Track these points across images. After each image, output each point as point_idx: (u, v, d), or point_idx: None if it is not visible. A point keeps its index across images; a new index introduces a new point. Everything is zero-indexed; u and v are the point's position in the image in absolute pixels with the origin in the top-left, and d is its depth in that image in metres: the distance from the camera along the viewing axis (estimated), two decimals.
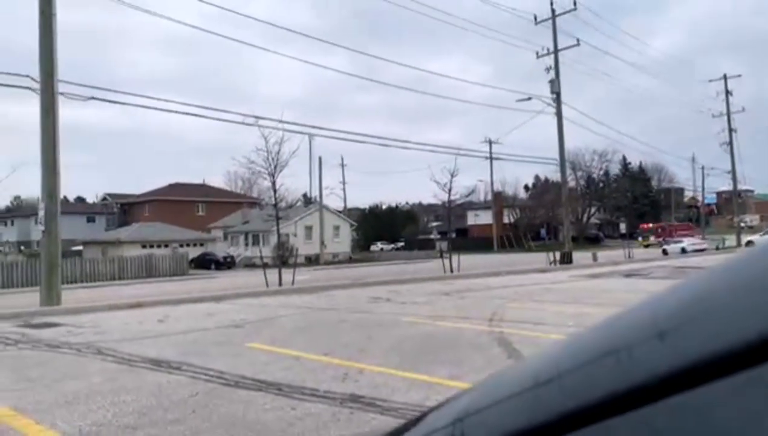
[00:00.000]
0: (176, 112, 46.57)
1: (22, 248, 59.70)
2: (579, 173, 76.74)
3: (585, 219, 72.53)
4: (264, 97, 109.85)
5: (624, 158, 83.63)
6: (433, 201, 42.05)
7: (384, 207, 76.47)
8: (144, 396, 5.84)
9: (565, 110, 35.62)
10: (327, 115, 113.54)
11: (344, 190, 72.69)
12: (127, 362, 7.69)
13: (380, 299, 15.22)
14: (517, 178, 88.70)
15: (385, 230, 68.91)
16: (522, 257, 44.07)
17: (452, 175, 28.46)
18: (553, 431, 0.43)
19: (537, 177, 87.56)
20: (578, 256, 32.46)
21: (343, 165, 65.71)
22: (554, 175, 58.25)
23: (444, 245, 33.87)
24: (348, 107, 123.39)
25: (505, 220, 68.92)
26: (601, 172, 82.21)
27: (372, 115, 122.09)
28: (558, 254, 30.49)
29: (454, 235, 56.84)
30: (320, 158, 53.65)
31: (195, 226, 57.14)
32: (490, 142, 56.27)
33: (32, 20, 15.64)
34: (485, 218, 70.55)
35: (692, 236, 58.72)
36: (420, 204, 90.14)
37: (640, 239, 62.71)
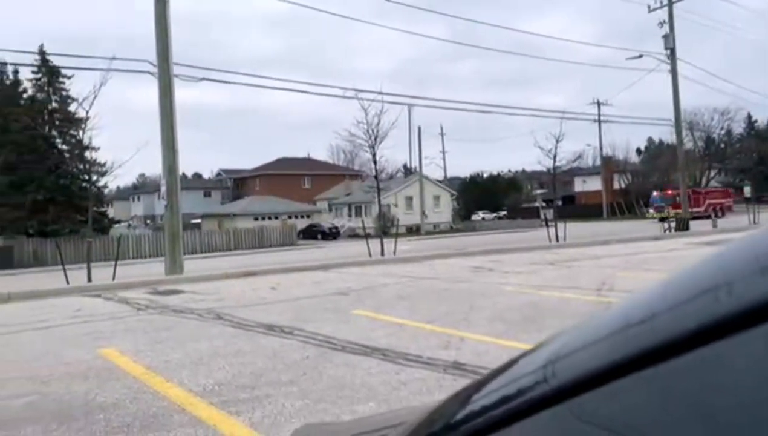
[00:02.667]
0: (281, 89, 48.34)
1: (148, 221, 64.82)
2: (697, 134, 71.26)
3: (704, 183, 67.51)
4: (363, 71, 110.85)
5: (749, 116, 76.67)
6: (537, 168, 40.86)
7: (485, 175, 75.28)
8: (259, 359, 6.24)
9: (681, 67, 33.15)
10: (425, 85, 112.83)
11: (444, 159, 72.39)
12: (244, 326, 8.22)
13: (482, 268, 15.14)
14: (627, 142, 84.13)
15: (486, 198, 67.91)
16: (634, 224, 41.93)
17: (557, 140, 27.49)
18: (642, 364, 0.45)
19: (650, 140, 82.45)
20: (696, 223, 30.41)
21: (442, 134, 65.25)
22: (669, 137, 54.49)
23: (549, 213, 32.93)
24: (446, 76, 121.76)
25: (615, 186, 65.69)
26: (723, 132, 75.87)
27: (470, 82, 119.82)
28: (673, 221, 28.78)
29: (560, 202, 55.00)
30: (419, 128, 53.72)
31: (302, 198, 59.28)
32: (599, 104, 53.61)
33: (148, 10, 16.69)
34: (593, 184, 67.61)
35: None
36: (523, 171, 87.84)
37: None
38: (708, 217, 47.17)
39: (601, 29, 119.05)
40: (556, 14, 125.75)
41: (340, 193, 59.05)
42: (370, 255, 19.94)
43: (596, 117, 51.53)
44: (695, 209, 48.63)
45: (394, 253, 20.33)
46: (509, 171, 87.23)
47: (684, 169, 34.33)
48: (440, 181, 61.30)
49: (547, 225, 26.04)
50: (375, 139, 22.43)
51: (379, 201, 25.70)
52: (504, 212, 67.16)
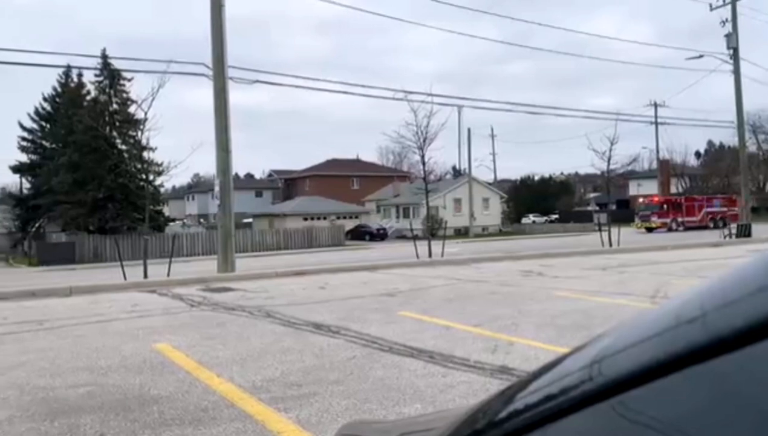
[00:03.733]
0: (331, 90, 48.81)
1: (202, 220, 66.54)
2: (761, 137, 68.25)
3: None
4: (412, 72, 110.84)
5: None
6: (590, 171, 40.13)
7: (536, 178, 74.08)
8: (307, 357, 6.31)
9: (744, 67, 31.79)
10: (475, 86, 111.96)
11: (494, 161, 71.67)
12: (293, 324, 8.34)
13: (532, 272, 14.90)
14: (686, 145, 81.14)
15: (537, 201, 66.80)
16: (692, 231, 40.45)
17: (612, 143, 26.86)
18: (692, 361, 0.44)
19: (710, 142, 79.50)
20: (759, 229, 29.11)
21: (492, 136, 64.55)
22: (730, 140, 52.35)
23: (602, 217, 32.14)
24: (496, 76, 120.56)
25: (673, 189, 63.55)
26: None
27: (521, 83, 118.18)
28: (734, 227, 27.62)
29: (614, 206, 53.55)
30: (469, 130, 53.23)
31: (350, 199, 59.75)
32: (656, 106, 51.93)
33: (203, 16, 17.14)
34: (649, 187, 65.58)
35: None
36: (576, 174, 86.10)
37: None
38: (706, 227, 42.54)
39: (655, 29, 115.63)
40: (609, 14, 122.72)
41: (388, 194, 59.22)
42: (417, 257, 19.90)
43: (653, 119, 49.92)
44: (688, 219, 43.23)
45: (442, 255, 20.23)
46: (561, 173, 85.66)
47: (746, 173, 32.89)
48: (490, 184, 60.70)
49: (600, 229, 25.43)
50: (424, 140, 22.46)
51: (427, 203, 25.64)
52: (555, 216, 65.95)
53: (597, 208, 63.60)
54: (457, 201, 52.82)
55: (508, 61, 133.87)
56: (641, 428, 0.46)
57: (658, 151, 64.08)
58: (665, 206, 44.77)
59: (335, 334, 7.51)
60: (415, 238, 22.75)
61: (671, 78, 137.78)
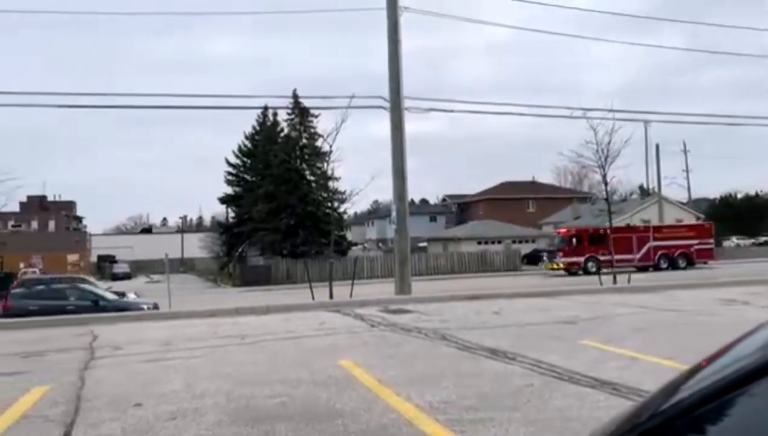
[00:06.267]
0: (504, 113, 48.48)
1: (380, 244, 69.43)
2: None
3: None
4: (589, 88, 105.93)
5: None
6: None
7: (739, 195, 66.17)
8: (483, 382, 6.29)
9: None
10: (661, 99, 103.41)
11: (687, 178, 65.06)
12: (468, 348, 8.35)
13: (735, 301, 13.30)
14: None
15: (741, 222, 59.54)
16: None
17: None
18: None
19: None
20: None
21: (685, 151, 58.97)
22: None
23: None
24: (685, 87, 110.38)
25: None
26: None
27: (714, 93, 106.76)
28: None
29: None
30: (657, 145, 49.29)
31: (526, 222, 58.34)
32: None
33: (378, 50, 18.15)
34: None
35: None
36: None
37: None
38: (656, 267, 32.14)
39: None
40: None
41: (567, 216, 56.83)
42: (600, 283, 18.82)
43: None
44: (624, 257, 31.01)
45: (629, 281, 18.91)
46: None
47: None
48: (683, 203, 55.47)
49: None
50: (605, 159, 21.25)
51: (610, 225, 24.20)
52: (765, 238, 58.16)
53: None
54: (646, 223, 49.04)
55: (698, 70, 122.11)
56: None
57: None
58: (574, 240, 34.06)
59: (511, 360, 7.37)
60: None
61: None
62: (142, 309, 16.61)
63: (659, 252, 34.00)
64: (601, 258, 32.08)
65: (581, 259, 33.21)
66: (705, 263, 34.83)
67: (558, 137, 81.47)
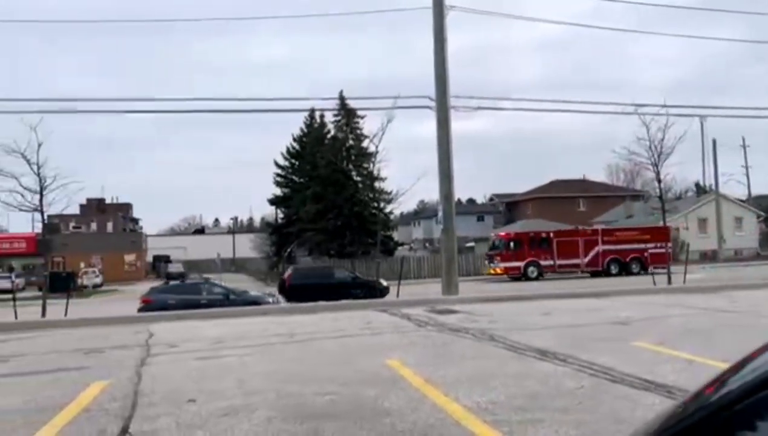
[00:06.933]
0: (553, 110, 47.45)
1: (427, 244, 69.24)
2: None
3: None
4: (641, 84, 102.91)
5: None
6: None
7: None
8: (532, 383, 6.20)
9: None
10: (719, 93, 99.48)
11: (747, 175, 62.53)
12: (516, 349, 8.25)
13: None
14: None
15: None
16: None
17: None
18: None
19: None
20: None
21: (744, 146, 56.64)
22: None
23: None
24: (745, 80, 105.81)
25: None
26: None
27: None
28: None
29: None
30: (714, 141, 47.58)
31: (576, 221, 57.03)
32: None
33: (424, 49, 18.11)
34: None
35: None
36: None
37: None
38: (605, 273, 30.16)
39: None
40: None
41: (619, 215, 55.42)
42: (654, 283, 18.29)
43: None
44: (570, 262, 30.65)
45: (684, 281, 18.31)
46: None
47: None
48: (743, 201, 53.31)
49: None
50: (659, 156, 20.64)
51: (664, 223, 23.50)
52: None
53: None
54: (702, 221, 47.37)
55: (760, 62, 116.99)
56: None
57: None
58: (512, 244, 32.66)
59: (561, 362, 7.25)
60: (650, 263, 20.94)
61: None
62: (268, 303, 17.86)
63: (609, 257, 32.45)
64: (543, 263, 31.51)
65: (521, 263, 32.29)
66: (663, 268, 33.80)
67: (609, 135, 79.58)
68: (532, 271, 31.75)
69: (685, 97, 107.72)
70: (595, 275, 31.57)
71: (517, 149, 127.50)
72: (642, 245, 32.62)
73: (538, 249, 32.65)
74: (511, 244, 33.53)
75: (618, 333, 9.43)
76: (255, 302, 18.03)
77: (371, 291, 21.90)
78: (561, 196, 63.08)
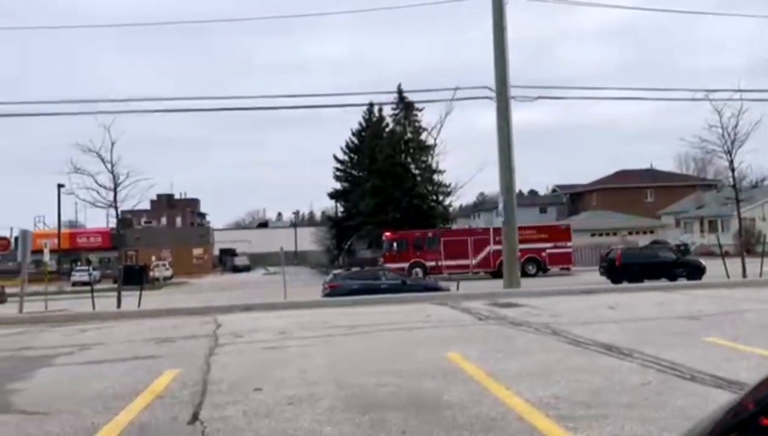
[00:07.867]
0: (619, 98, 46.09)
1: None
2: None
3: None
4: (712, 69, 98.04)
5: None
6: None
7: None
8: (596, 378, 6.08)
9: None
10: None
11: None
12: (580, 344, 8.09)
13: None
14: None
15: None
16: None
17: None
18: None
19: None
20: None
21: None
22: None
23: None
24: None
25: None
26: None
27: None
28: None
29: None
30: None
31: (643, 213, 55.22)
32: None
33: (482, 40, 17.87)
34: None
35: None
36: None
37: None
38: (496, 274, 26.10)
39: None
40: None
41: (689, 205, 53.14)
42: (728, 277, 17.49)
43: None
44: (458, 263, 29.03)
45: (760, 275, 17.41)
46: None
47: None
48: None
49: None
50: (732, 143, 19.64)
51: (738, 214, 22.36)
52: None
53: None
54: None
55: None
56: None
57: None
58: (395, 245, 31.43)
59: (626, 356, 7.06)
60: (724, 255, 20.01)
61: None
62: (447, 290, 17.97)
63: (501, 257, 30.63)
64: (429, 264, 30.46)
65: (405, 265, 31.03)
66: (567, 269, 32.36)
67: (677, 123, 76.24)
68: (417, 272, 30.84)
69: (760, 81, 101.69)
70: (495, 275, 29.18)
71: (581, 140, 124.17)
72: (539, 245, 31.50)
73: (423, 250, 32.01)
74: (395, 244, 32.89)
75: (688, 328, 9.10)
76: (434, 287, 18.67)
77: (693, 270, 22.51)
78: (627, 186, 61.03)
